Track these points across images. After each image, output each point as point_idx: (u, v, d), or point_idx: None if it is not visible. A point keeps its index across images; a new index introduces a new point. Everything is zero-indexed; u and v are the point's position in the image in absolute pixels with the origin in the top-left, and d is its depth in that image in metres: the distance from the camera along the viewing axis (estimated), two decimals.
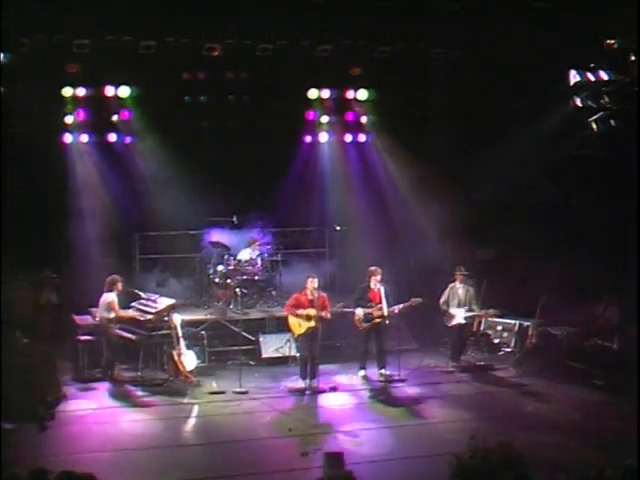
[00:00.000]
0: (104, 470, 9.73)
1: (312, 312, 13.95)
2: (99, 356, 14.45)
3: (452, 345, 15.47)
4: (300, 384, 14.07)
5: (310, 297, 14.03)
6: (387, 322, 14.48)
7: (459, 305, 15.19)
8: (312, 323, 13.96)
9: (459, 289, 15.27)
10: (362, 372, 14.76)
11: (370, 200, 17.29)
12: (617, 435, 11.39)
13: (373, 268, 14.68)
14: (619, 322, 15.14)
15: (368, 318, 14.48)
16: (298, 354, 14.49)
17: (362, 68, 17.51)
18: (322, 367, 14.28)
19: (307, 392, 13.85)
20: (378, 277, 14.55)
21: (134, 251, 17.10)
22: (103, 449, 11.38)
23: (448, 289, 15.30)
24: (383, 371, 14.70)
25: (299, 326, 14.08)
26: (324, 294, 14.17)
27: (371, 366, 14.98)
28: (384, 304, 14.40)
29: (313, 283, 14.05)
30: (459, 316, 15.15)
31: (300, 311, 14.02)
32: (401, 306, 14.52)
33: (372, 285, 14.56)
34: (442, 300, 15.24)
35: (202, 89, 17.14)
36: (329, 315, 14.05)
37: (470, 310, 15.17)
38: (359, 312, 14.50)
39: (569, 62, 16.26)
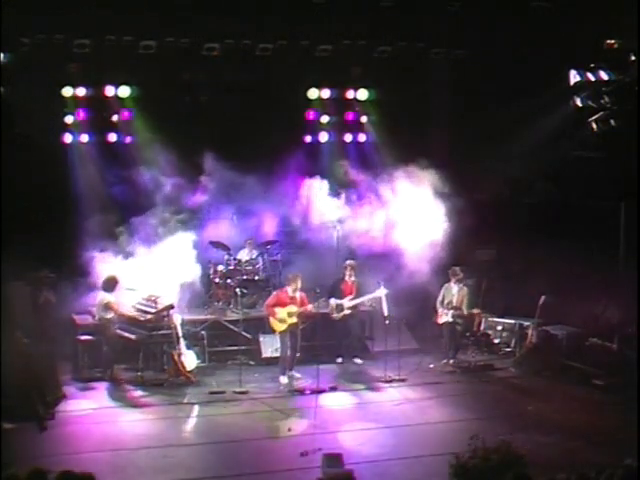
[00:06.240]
0: (104, 470, 9.75)
1: (293, 309, 14.40)
2: (99, 356, 14.46)
3: (445, 343, 15.60)
4: (284, 380, 14.29)
5: (291, 294, 14.41)
6: (386, 319, 14.73)
7: (450, 304, 15.34)
8: (293, 319, 14.39)
9: (453, 288, 15.44)
10: (339, 359, 15.45)
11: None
12: (617, 435, 11.40)
13: (348, 262, 15.52)
14: (619, 322, 15.14)
15: (339, 308, 15.21)
16: (279, 351, 14.63)
17: (362, 68, 17.51)
18: (322, 367, 14.29)
19: (307, 392, 13.85)
20: (351, 271, 15.34)
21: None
22: (103, 449, 11.39)
23: (443, 288, 15.53)
24: (357, 360, 15.38)
25: (280, 323, 14.43)
26: (302, 293, 14.56)
27: (372, 366, 15.11)
28: (383, 302, 14.84)
29: (297, 282, 14.43)
30: (447, 314, 15.33)
31: (279, 309, 14.36)
32: (365, 298, 15.16)
33: (347, 278, 15.36)
34: (439, 299, 15.49)
35: (202, 89, 17.13)
36: (312, 309, 14.63)
37: (458, 309, 15.25)
38: (332, 302, 15.27)
39: (569, 62, 16.25)
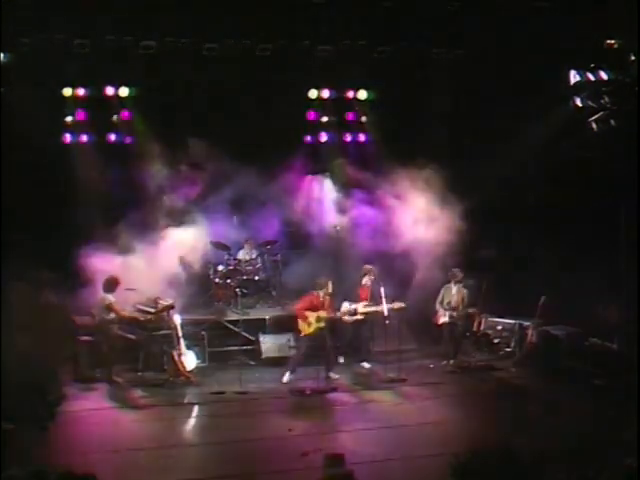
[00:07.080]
0: (104, 470, 9.71)
1: (323, 314, 14.40)
2: (99, 356, 14.45)
3: (445, 343, 15.65)
4: (285, 379, 14.33)
5: (322, 299, 14.43)
6: (386, 319, 14.69)
7: (449, 305, 15.35)
8: (322, 324, 14.40)
9: (452, 289, 15.48)
10: (341, 359, 15.36)
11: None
12: (617, 435, 11.39)
13: (368, 267, 15.28)
14: (619, 322, 15.14)
15: (352, 312, 15.04)
16: (295, 350, 14.68)
17: (362, 68, 17.50)
18: (322, 367, 14.29)
19: (308, 392, 13.87)
20: (371, 276, 15.12)
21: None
22: (103, 449, 11.40)
23: (443, 289, 15.58)
24: (365, 364, 15.24)
25: (307, 326, 14.43)
26: (328, 298, 14.51)
27: (373, 366, 15.13)
28: (383, 303, 14.67)
29: (328, 287, 14.42)
30: (444, 315, 15.38)
31: (310, 313, 14.41)
32: (381, 308, 14.72)
33: (364, 282, 15.16)
34: (438, 299, 15.54)
35: (202, 89, 17.13)
36: (339, 314, 14.72)
37: (455, 310, 15.25)
38: (345, 305, 15.09)
39: (569, 62, 16.25)
